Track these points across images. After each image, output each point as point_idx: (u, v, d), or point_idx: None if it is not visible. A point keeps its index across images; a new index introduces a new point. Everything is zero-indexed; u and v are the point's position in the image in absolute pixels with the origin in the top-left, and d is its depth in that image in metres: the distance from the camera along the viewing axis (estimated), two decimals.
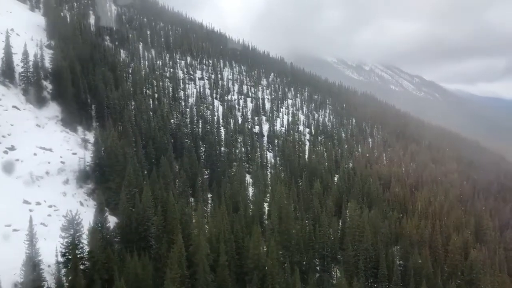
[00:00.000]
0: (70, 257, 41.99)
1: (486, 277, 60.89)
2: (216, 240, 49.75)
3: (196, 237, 47.92)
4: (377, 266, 63.77)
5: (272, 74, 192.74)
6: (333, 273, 65.33)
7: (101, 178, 64.49)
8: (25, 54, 74.67)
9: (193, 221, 57.78)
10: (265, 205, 79.75)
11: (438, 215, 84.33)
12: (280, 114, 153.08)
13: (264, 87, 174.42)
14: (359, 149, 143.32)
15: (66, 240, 42.86)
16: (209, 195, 79.26)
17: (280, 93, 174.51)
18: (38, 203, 56.10)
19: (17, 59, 75.37)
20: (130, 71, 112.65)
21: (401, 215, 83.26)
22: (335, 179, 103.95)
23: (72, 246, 42.40)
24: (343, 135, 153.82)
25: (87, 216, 49.02)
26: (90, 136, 74.76)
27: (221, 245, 46.68)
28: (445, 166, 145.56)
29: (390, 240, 72.87)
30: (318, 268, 64.23)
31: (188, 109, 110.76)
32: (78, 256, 42.47)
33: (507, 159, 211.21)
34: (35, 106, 73.58)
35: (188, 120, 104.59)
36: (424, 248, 66.55)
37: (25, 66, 74.69)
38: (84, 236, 44.73)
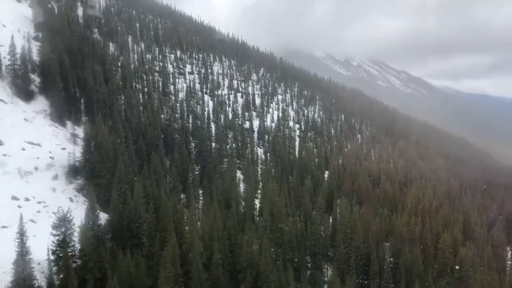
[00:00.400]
0: (61, 255, 41.29)
1: (476, 275, 61.60)
2: (209, 238, 49.35)
3: (189, 235, 47.48)
4: (368, 264, 64.05)
5: (262, 69, 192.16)
6: (324, 270, 65.44)
7: (91, 174, 63.50)
8: (12, 46, 73.05)
9: (185, 218, 57.37)
10: (256, 201, 79.56)
11: (427, 212, 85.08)
12: (270, 110, 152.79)
13: (254, 82, 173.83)
14: (348, 146, 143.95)
15: (57, 238, 42.10)
16: (200, 191, 78.73)
17: (270, 88, 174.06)
18: (27, 199, 55.12)
19: (3, 52, 73.81)
20: (119, 64, 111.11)
21: (391, 212, 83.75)
22: (325, 175, 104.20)
23: (63, 244, 41.67)
24: (333, 131, 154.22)
25: (77, 213, 48.25)
26: (80, 131, 73.59)
27: (214, 243, 46.34)
28: (432, 162, 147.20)
29: (381, 237, 73.30)
30: (309, 265, 64.27)
31: (178, 104, 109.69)
32: (70, 254, 41.78)
33: (492, 156, 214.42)
34: (22, 99, 72.12)
35: (178, 115, 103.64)
36: (414, 245, 67.08)
37: (12, 58, 73.12)
38: (76, 234, 44.06)
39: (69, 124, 74.18)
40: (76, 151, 66.19)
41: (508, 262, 79.84)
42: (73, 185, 63.86)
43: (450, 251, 68.54)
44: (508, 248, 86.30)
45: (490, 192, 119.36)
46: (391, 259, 66.13)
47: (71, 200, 60.43)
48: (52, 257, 41.50)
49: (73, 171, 64.26)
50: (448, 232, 73.26)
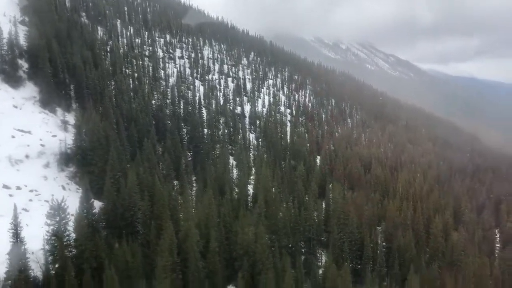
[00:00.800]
0: (56, 245, 40.99)
1: (468, 259, 62.69)
2: (205, 226, 49.31)
3: (185, 223, 47.39)
4: (362, 248, 64.75)
5: (252, 53, 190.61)
6: (318, 255, 65.97)
7: (83, 161, 62.63)
8: None
9: (180, 205, 57.23)
10: (250, 187, 79.59)
11: (418, 197, 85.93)
12: (261, 95, 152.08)
13: (245, 67, 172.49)
14: (339, 130, 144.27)
15: (51, 227, 41.71)
16: (193, 178, 78.46)
17: (261, 73, 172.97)
18: (18, 188, 54.35)
19: None
20: (108, 49, 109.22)
21: (382, 197, 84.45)
22: (317, 160, 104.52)
23: (58, 234, 41.33)
24: (323, 116, 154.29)
25: (70, 201, 47.59)
26: (70, 118, 72.36)
27: (211, 231, 46.32)
28: (421, 146, 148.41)
29: (373, 222, 74.01)
30: (303, 250, 64.69)
31: (169, 90, 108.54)
32: (65, 243, 41.49)
33: (480, 139, 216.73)
34: (11, 86, 70.49)
35: (169, 101, 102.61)
36: (407, 230, 67.82)
37: None
38: (70, 223, 43.70)
39: (59, 110, 72.78)
40: (67, 138, 65.15)
41: (497, 245, 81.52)
42: (65, 172, 63.02)
43: (442, 235, 69.48)
44: (497, 231, 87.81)
45: (479, 176, 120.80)
46: (384, 243, 66.81)
47: (63, 188, 59.74)
48: (47, 247, 41.21)
49: (65, 159, 63.31)
50: (439, 217, 74.17)
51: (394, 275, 58.83)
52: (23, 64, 76.22)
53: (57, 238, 41.03)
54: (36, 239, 41.33)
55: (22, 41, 78.84)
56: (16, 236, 38.41)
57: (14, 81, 71.16)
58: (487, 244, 75.42)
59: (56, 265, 40.56)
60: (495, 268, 66.62)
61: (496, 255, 76.23)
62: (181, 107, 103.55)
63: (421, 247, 65.93)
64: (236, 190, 74.72)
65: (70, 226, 43.32)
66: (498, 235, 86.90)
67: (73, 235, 42.85)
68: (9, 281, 35.61)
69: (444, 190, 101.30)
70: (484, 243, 73.97)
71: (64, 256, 40.12)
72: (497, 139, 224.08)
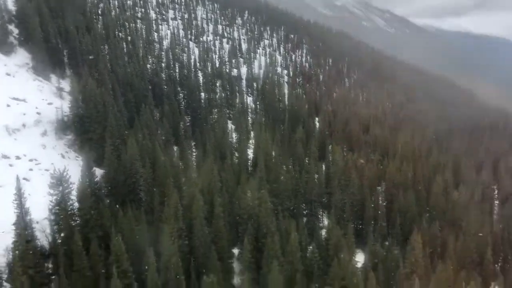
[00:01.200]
0: (61, 215, 40.87)
1: (469, 218, 63.52)
2: (208, 192, 49.27)
3: (189, 189, 47.31)
4: (363, 209, 65.37)
5: (247, 12, 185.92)
6: (319, 217, 66.58)
7: (81, 129, 61.89)
8: None
9: (181, 172, 57.01)
10: (249, 151, 79.32)
11: (418, 156, 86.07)
12: (257, 56, 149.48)
13: (240, 27, 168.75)
14: (337, 90, 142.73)
15: (55, 197, 41.44)
16: (193, 143, 77.95)
17: (256, 32, 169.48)
18: (17, 157, 53.96)
19: None
20: (99, 12, 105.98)
21: (382, 157, 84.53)
22: (316, 122, 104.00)
23: (62, 204, 41.14)
24: (321, 76, 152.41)
25: (70, 169, 46.95)
26: (65, 85, 71.14)
27: (215, 196, 46.31)
28: (419, 105, 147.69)
29: (374, 183, 74.42)
30: (305, 212, 65.21)
31: (163, 53, 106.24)
32: (69, 213, 41.38)
33: (477, 96, 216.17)
34: (2, 53, 68.64)
35: (164, 65, 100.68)
36: (407, 190, 68.26)
37: None
38: (73, 192, 43.44)
39: (53, 77, 71.20)
40: (63, 106, 64.13)
41: (496, 202, 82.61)
42: (63, 140, 62.40)
43: (443, 194, 70.11)
44: (495, 187, 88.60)
45: (477, 134, 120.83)
46: (385, 203, 67.34)
47: (62, 156, 59.32)
48: (52, 217, 41.10)
49: (62, 127, 62.54)
50: (439, 176, 74.68)
51: (396, 235, 59.68)
52: (13, 29, 73.98)
53: (60, 208, 40.86)
54: (39, 209, 41.06)
55: (11, 5, 76.25)
56: (21, 207, 38.15)
57: (5, 47, 69.27)
58: (486, 201, 76.29)
59: (62, 234, 40.57)
60: (494, 225, 67.73)
61: (495, 212, 77.41)
62: (177, 70, 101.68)
63: (422, 206, 66.53)
64: (236, 155, 74.50)
65: (73, 195, 43.08)
66: (496, 192, 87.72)
67: (76, 205, 42.69)
68: (17, 251, 35.63)
69: (443, 149, 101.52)
70: (483, 201, 74.81)
71: (69, 225, 40.08)
72: (492, 94, 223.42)
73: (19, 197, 38.01)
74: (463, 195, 72.57)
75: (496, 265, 62.14)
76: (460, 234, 58.22)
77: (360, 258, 54.08)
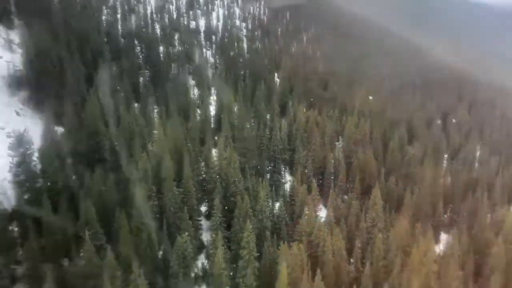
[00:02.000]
0: (24, 176, 39.50)
1: (422, 171, 67.22)
2: (175, 151, 48.90)
3: (157, 149, 46.83)
4: (324, 165, 67.31)
5: None
6: (282, 173, 67.88)
7: (36, 84, 58.68)
8: None
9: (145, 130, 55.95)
10: (211, 108, 78.60)
11: (374, 112, 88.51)
12: (215, 7, 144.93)
13: None
14: (295, 45, 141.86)
15: (15, 159, 39.84)
16: (154, 99, 75.93)
17: None
18: None
19: None
20: None
21: (341, 113, 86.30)
22: (276, 78, 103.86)
23: (24, 165, 39.69)
24: (279, 29, 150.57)
25: (27, 127, 45.51)
26: (14, 36, 66.51)
27: (184, 156, 46.05)
28: (374, 60, 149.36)
29: (333, 139, 76.40)
30: (268, 169, 66.23)
31: (118, 3, 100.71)
32: (33, 175, 40.05)
33: (432, 53, 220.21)
34: None
35: (119, 16, 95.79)
36: (366, 145, 70.77)
37: None
38: (35, 154, 41.88)
39: (0, 28, 66.28)
40: (14, 60, 60.33)
41: (445, 155, 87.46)
42: (17, 97, 59.00)
43: (398, 149, 73.36)
44: (445, 142, 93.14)
45: (430, 90, 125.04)
46: (344, 159, 69.31)
47: (17, 113, 56.54)
48: (14, 178, 39.63)
49: (15, 82, 58.91)
50: (395, 132, 77.81)
51: (355, 189, 62.10)
52: None
53: (23, 169, 39.44)
54: None
55: None
56: None
57: None
58: (437, 155, 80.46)
59: (26, 196, 39.38)
60: (443, 178, 72.14)
61: (444, 164, 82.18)
62: (133, 22, 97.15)
63: (380, 162, 69.30)
64: (199, 112, 73.65)
65: (35, 157, 41.59)
66: (445, 146, 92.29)
67: (39, 166, 41.30)
68: None
69: (397, 103, 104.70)
70: (434, 155, 78.85)
71: (35, 188, 38.95)
72: (449, 51, 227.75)
73: None
74: (416, 150, 76.43)
75: (445, 215, 66.81)
76: (415, 189, 61.48)
77: (322, 214, 56.08)
